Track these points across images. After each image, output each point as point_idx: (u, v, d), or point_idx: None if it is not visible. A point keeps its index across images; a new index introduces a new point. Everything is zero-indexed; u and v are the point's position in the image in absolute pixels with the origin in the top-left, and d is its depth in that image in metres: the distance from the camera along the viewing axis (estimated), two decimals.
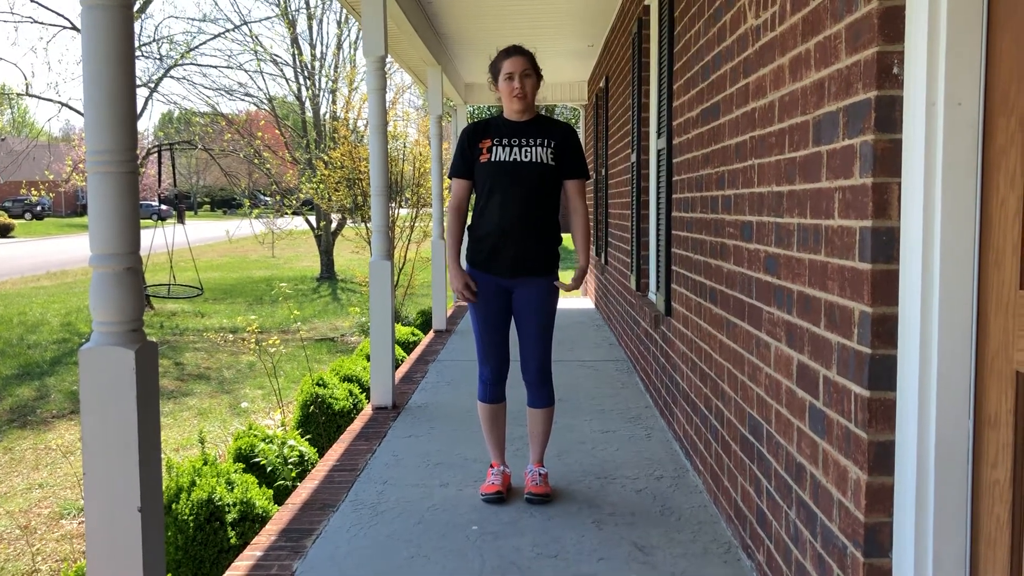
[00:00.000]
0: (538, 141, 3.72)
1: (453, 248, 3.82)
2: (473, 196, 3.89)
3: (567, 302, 12.17)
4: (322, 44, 31.20)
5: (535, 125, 3.77)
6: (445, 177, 10.42)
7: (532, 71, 3.75)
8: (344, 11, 20.02)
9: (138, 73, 20.96)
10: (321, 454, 5.27)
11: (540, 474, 3.91)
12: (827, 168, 2.30)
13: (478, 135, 3.78)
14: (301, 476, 4.84)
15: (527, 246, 3.72)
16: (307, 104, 22.12)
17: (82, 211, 54.17)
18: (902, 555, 2.02)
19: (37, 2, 16.60)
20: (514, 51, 3.76)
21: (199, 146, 18.74)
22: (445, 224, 3.92)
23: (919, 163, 1.91)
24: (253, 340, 9.83)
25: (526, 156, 3.69)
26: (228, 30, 20.93)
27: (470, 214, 3.96)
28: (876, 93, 1.99)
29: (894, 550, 2.06)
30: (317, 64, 22.30)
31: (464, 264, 3.85)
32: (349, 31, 22.24)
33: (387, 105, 6.18)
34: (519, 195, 3.68)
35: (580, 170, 3.80)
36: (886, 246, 2.02)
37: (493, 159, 3.70)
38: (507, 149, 3.70)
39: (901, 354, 2.01)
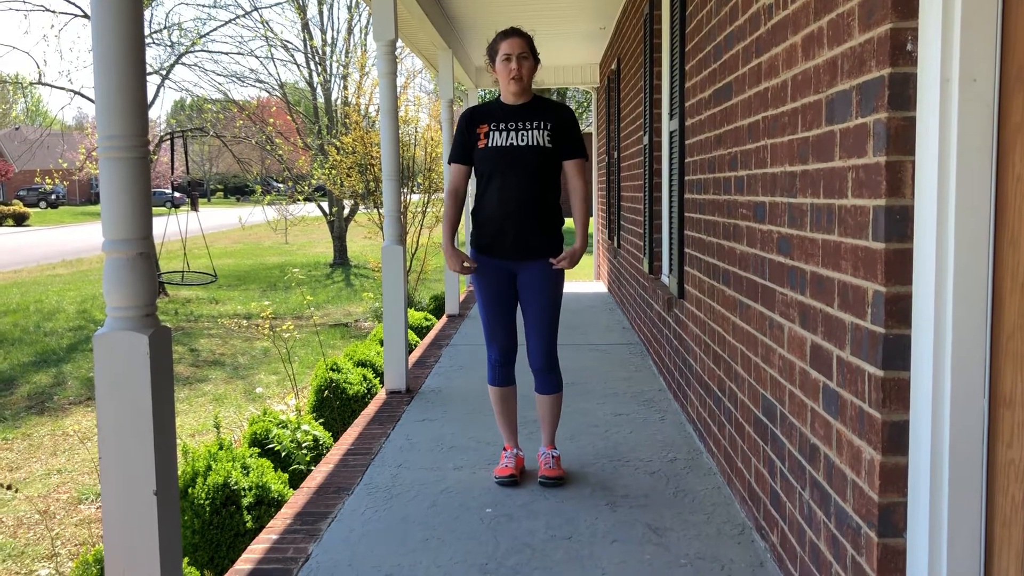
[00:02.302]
0: (535, 124, 3.71)
1: (448, 232, 3.86)
2: (475, 181, 3.90)
3: (580, 286, 12.16)
4: (333, 29, 31.19)
5: (532, 108, 3.77)
6: None
7: (529, 53, 3.74)
8: None
9: (149, 60, 20.98)
10: (336, 438, 5.30)
11: (553, 456, 3.91)
12: (840, 147, 2.28)
13: (475, 121, 3.78)
14: (316, 460, 4.86)
15: (529, 230, 3.73)
16: (318, 90, 22.10)
17: (96, 199, 54.42)
18: (916, 535, 2.01)
19: None
20: (512, 32, 3.75)
21: (211, 133, 18.78)
22: (443, 207, 3.94)
23: (933, 141, 1.90)
24: (267, 326, 9.87)
25: (523, 140, 3.69)
26: (238, 16, 20.92)
27: (469, 199, 3.98)
28: (890, 70, 1.97)
29: (908, 530, 2.05)
30: (328, 49, 22.26)
31: (469, 250, 3.88)
32: (360, 16, 22.18)
33: (398, 90, 6.17)
34: (518, 179, 3.69)
35: (578, 150, 3.79)
36: (900, 225, 2.00)
37: (490, 144, 3.71)
38: (504, 134, 3.70)
39: (915, 334, 2.00)
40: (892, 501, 2.06)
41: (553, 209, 3.79)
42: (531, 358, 3.87)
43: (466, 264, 3.80)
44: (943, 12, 1.85)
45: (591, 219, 14.35)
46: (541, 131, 3.70)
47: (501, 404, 3.96)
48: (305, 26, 21.89)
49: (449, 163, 3.88)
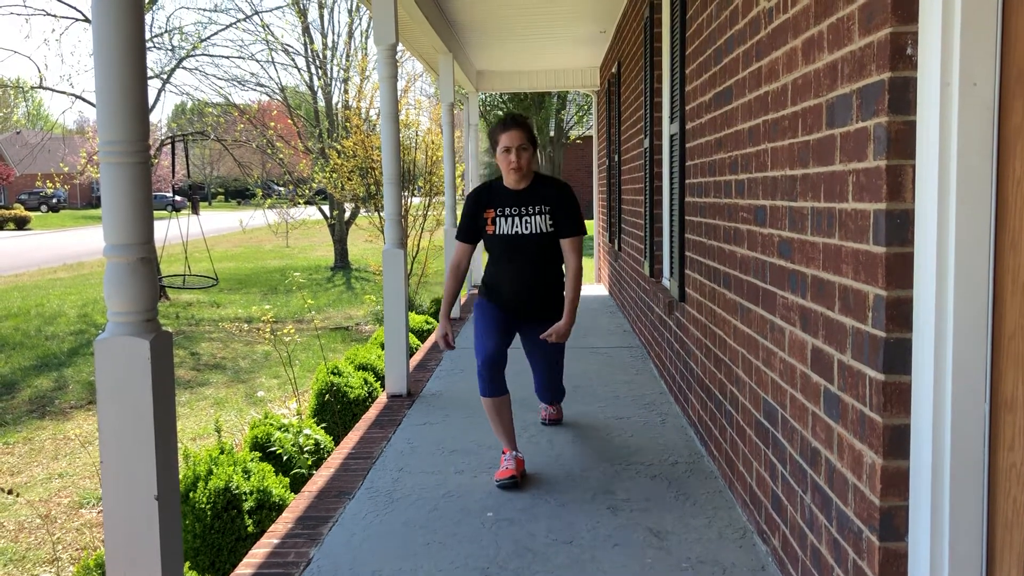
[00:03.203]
0: (536, 210, 4.01)
1: (446, 303, 4.14)
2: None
3: (581, 289, 12.12)
4: (333, 33, 31.20)
5: (532, 192, 4.04)
6: (458, 165, 10.44)
7: (528, 143, 3.97)
8: None
9: (150, 64, 20.98)
10: (337, 442, 5.30)
11: (557, 409, 4.81)
12: (841, 151, 2.28)
13: (481, 204, 4.08)
14: (317, 464, 4.86)
15: (534, 300, 4.15)
16: (319, 93, 22.08)
17: (97, 203, 54.49)
18: (918, 539, 2.01)
19: None
20: (511, 124, 3.97)
21: (212, 137, 18.76)
22: (444, 279, 4.36)
23: (934, 145, 1.90)
24: (268, 330, 9.85)
25: (526, 228, 4.00)
26: (239, 20, 20.87)
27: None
28: (890, 74, 1.97)
29: (910, 534, 2.05)
30: (328, 53, 22.24)
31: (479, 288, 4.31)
32: (360, 19, 22.18)
33: (399, 94, 6.17)
34: (523, 262, 4.07)
35: (575, 228, 4.06)
36: (900, 229, 2.00)
37: (497, 232, 4.03)
38: (509, 221, 4.02)
39: (916, 337, 2.00)
40: (893, 505, 2.06)
41: (557, 280, 4.19)
42: (539, 394, 4.55)
43: (448, 339, 4.06)
44: (943, 16, 1.85)
45: (592, 221, 14.37)
46: (543, 216, 4.01)
47: (495, 415, 4.01)
48: (306, 30, 21.90)
49: (457, 239, 4.16)
